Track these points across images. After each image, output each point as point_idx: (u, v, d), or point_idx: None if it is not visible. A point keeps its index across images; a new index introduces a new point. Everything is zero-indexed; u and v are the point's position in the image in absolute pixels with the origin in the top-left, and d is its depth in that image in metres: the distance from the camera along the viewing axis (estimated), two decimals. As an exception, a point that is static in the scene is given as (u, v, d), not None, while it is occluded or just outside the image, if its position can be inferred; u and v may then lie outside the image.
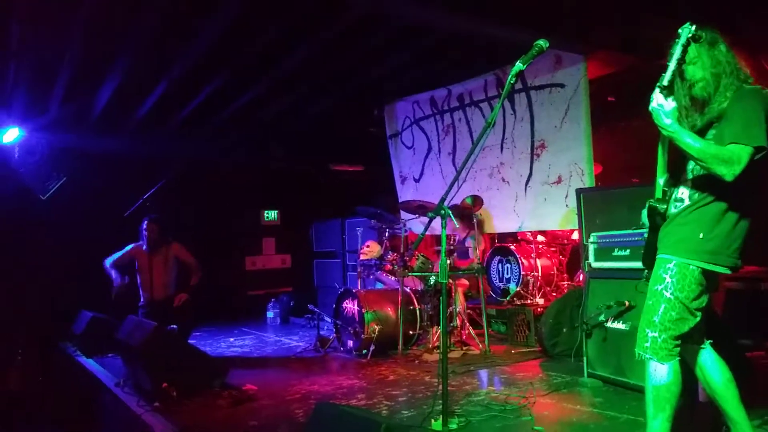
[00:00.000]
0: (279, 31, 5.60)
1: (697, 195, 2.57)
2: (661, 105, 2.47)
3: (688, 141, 2.44)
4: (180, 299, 6.13)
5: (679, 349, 2.57)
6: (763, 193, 2.57)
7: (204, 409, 4.12)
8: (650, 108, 2.50)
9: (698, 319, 2.58)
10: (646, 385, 2.60)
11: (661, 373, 2.55)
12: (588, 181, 6.00)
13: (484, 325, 5.76)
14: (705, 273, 2.54)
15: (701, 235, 2.51)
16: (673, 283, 2.53)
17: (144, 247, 6.25)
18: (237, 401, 4.21)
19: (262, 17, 5.38)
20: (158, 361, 4.35)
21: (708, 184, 2.52)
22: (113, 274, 6.09)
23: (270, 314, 8.87)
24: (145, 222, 6.22)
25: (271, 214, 10.10)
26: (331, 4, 5.12)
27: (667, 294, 2.54)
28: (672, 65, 2.48)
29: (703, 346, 2.73)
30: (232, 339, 7.34)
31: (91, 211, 7.41)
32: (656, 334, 2.55)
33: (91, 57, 5.82)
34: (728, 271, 2.56)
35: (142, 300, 6.22)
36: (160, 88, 6.83)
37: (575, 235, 6.72)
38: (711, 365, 2.70)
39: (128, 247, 6.31)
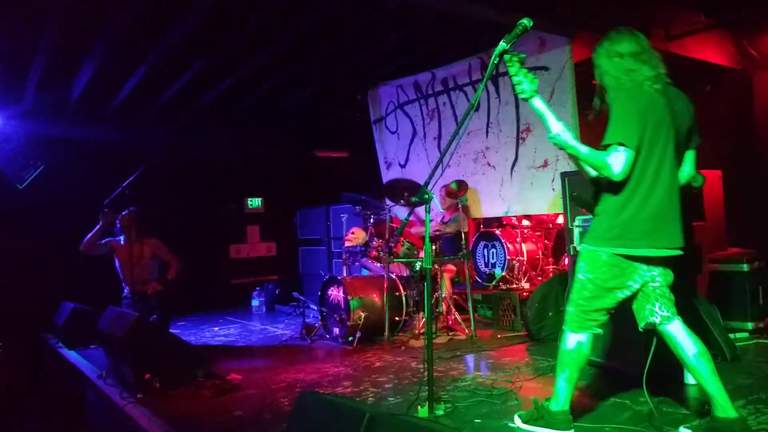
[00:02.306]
0: (261, 15, 5.50)
1: (603, 188, 2.85)
2: (557, 134, 2.79)
3: (577, 148, 2.75)
4: (153, 288, 5.97)
5: (594, 323, 2.87)
6: (664, 177, 2.74)
7: (188, 399, 4.07)
8: (553, 138, 2.81)
9: (620, 295, 2.84)
10: (558, 348, 2.97)
11: (568, 341, 2.91)
12: (573, 165, 5.96)
13: (470, 310, 5.75)
14: (623, 255, 2.76)
15: (605, 224, 2.81)
16: (583, 267, 2.88)
17: (120, 241, 6.12)
18: (221, 391, 4.17)
19: (245, 2, 5.27)
20: (141, 352, 4.28)
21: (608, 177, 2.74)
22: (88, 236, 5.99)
23: (255, 302, 8.82)
24: (122, 214, 6.08)
25: (255, 202, 9.99)
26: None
27: (580, 276, 2.90)
28: (515, 80, 2.78)
29: (665, 320, 2.85)
30: (216, 328, 7.28)
31: (69, 200, 7.27)
32: (571, 309, 2.92)
33: (68, 43, 5.68)
34: (647, 253, 2.73)
35: (125, 291, 6.13)
36: (139, 73, 6.69)
37: (560, 219, 6.71)
38: (681, 338, 2.83)
39: (107, 239, 6.18)
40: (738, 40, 6.50)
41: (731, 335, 4.41)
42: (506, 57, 2.76)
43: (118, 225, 6.07)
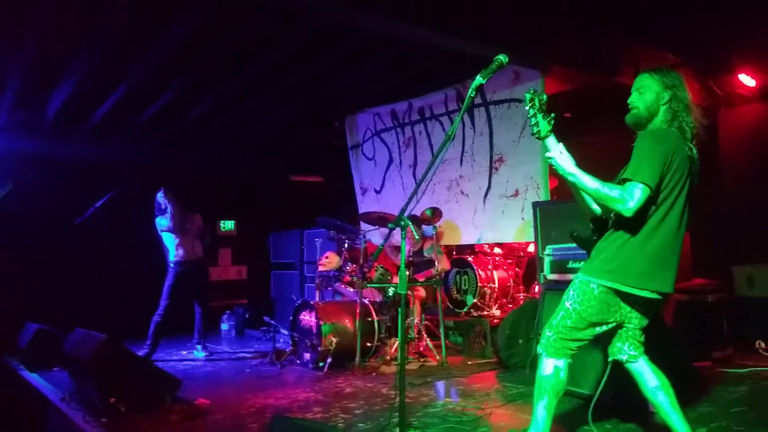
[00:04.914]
0: (240, 40, 5.55)
1: (612, 224, 2.85)
2: (552, 157, 2.77)
3: (585, 182, 2.71)
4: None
5: (570, 352, 2.87)
6: (669, 223, 2.74)
7: (154, 424, 4.00)
8: (550, 161, 2.79)
9: (599, 330, 2.86)
10: (536, 375, 2.93)
11: (546, 367, 2.87)
12: (543, 195, 6.09)
13: (442, 336, 5.77)
14: (614, 292, 2.77)
15: (602, 257, 2.81)
16: (573, 296, 2.86)
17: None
18: (189, 416, 4.10)
19: (224, 26, 5.32)
20: (107, 375, 4.20)
21: (617, 214, 2.73)
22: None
23: (224, 326, 8.70)
24: (163, 191, 6.54)
25: (227, 225, 9.93)
26: (292, 15, 5.11)
27: (567, 304, 2.87)
28: (532, 120, 2.81)
29: (631, 358, 2.93)
30: (184, 352, 7.16)
31: (39, 219, 7.14)
32: (551, 334, 2.88)
33: (45, 61, 5.64)
34: (637, 293, 2.73)
35: (179, 256, 6.60)
36: (116, 93, 6.66)
37: (531, 248, 6.81)
38: (645, 374, 2.91)
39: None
40: (703, 79, 6.76)
41: (694, 364, 4.50)
42: (527, 96, 2.78)
43: (165, 201, 6.52)
